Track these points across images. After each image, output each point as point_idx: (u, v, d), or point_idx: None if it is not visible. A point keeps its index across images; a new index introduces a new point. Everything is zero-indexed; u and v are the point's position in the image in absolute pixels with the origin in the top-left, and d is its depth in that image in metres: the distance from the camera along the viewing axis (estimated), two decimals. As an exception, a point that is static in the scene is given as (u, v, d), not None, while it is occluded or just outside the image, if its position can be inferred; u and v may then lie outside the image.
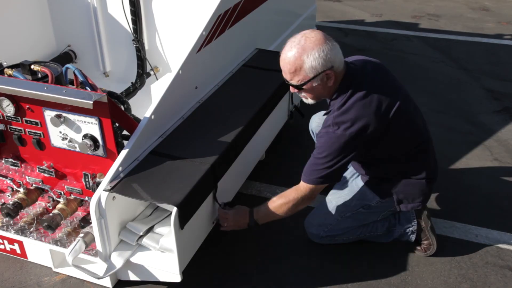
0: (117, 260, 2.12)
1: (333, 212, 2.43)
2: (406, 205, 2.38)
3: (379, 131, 2.12)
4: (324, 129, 2.15)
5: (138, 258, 2.15)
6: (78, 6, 3.38)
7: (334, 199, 2.47)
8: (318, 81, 2.08)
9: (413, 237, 2.48)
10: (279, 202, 2.26)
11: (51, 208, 2.33)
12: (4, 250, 2.39)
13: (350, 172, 2.54)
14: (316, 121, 2.81)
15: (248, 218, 2.31)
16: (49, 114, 2.12)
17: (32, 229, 2.29)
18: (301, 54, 2.02)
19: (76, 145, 2.16)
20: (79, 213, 2.33)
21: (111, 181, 2.02)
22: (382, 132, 2.13)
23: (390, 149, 2.24)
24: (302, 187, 2.22)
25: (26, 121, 2.20)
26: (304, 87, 2.10)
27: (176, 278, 2.11)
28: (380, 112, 2.10)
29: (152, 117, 2.18)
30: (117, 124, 2.15)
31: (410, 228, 2.46)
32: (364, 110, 2.08)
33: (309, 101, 2.22)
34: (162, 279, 2.17)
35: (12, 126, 2.25)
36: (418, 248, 2.49)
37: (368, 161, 2.35)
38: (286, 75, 2.12)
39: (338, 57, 2.08)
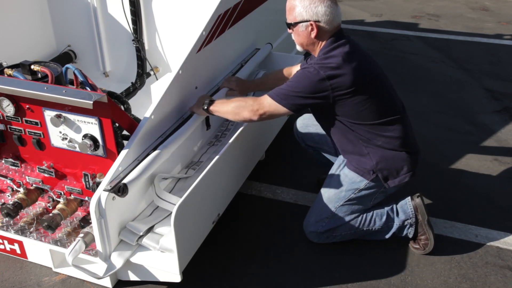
0: (117, 260, 2.12)
1: (327, 204, 2.46)
2: (393, 180, 2.41)
3: (353, 87, 2.19)
4: (302, 68, 2.29)
5: (138, 258, 2.15)
6: (78, 6, 3.38)
7: (326, 192, 2.50)
8: (303, 28, 2.29)
9: (411, 231, 2.49)
10: (233, 100, 2.37)
11: (51, 208, 2.33)
12: (4, 250, 2.39)
13: (336, 164, 2.57)
14: (301, 122, 2.88)
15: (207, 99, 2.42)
16: (49, 114, 2.12)
17: (32, 229, 2.29)
18: None
19: (76, 145, 2.16)
20: (79, 213, 2.33)
21: (111, 181, 2.02)
22: (356, 89, 2.21)
23: (364, 112, 2.28)
24: (262, 97, 2.30)
25: (26, 121, 2.20)
26: (291, 27, 2.33)
27: (176, 278, 2.11)
28: (360, 70, 2.22)
29: (152, 117, 2.18)
30: (117, 124, 2.15)
31: (409, 221, 2.47)
32: (345, 63, 2.20)
33: (297, 47, 2.41)
34: (162, 279, 2.17)
35: (12, 126, 2.25)
36: (417, 246, 2.50)
37: (346, 128, 2.36)
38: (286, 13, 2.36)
39: (329, 17, 2.25)
